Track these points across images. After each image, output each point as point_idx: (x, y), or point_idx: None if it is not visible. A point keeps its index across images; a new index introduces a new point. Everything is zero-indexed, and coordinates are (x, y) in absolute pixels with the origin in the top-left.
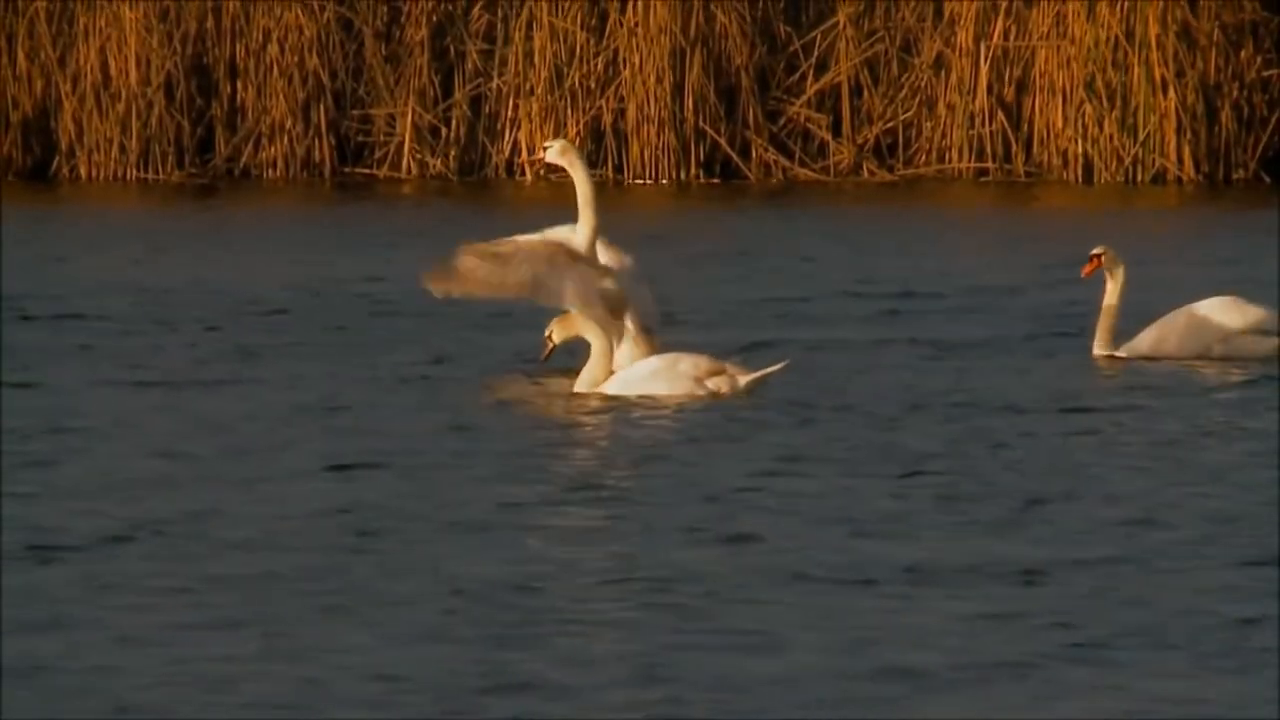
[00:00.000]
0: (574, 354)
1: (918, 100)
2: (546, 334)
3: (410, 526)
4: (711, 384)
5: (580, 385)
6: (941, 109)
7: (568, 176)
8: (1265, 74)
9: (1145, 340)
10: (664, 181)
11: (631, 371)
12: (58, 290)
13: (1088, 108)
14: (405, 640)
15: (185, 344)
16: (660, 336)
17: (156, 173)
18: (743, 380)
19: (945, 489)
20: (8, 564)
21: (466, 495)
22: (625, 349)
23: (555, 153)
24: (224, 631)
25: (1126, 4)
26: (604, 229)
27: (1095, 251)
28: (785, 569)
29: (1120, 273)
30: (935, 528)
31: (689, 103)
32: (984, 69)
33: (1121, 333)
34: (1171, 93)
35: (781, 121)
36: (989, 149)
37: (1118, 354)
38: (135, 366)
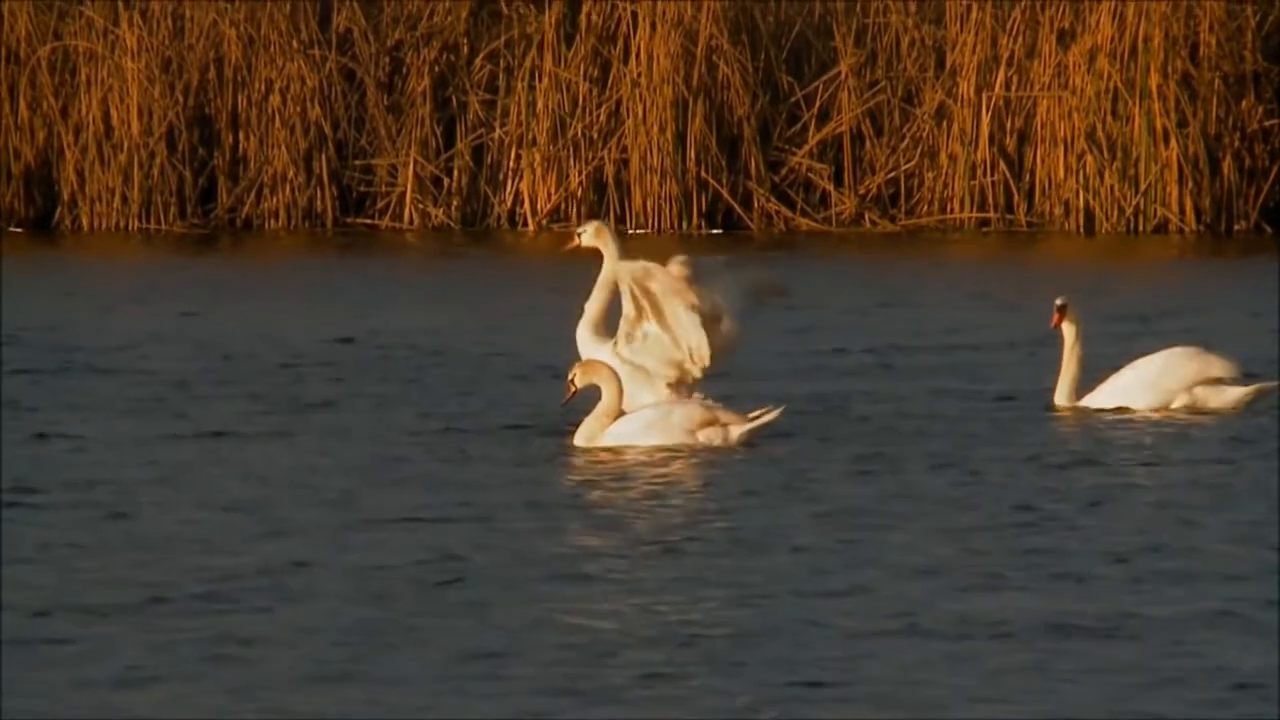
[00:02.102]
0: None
1: (919, 150)
2: (569, 377)
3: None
4: (704, 435)
5: (579, 438)
6: (943, 159)
7: (570, 228)
8: (1266, 124)
9: (1107, 391)
10: (666, 231)
11: (625, 423)
12: (77, 342)
13: (1089, 158)
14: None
15: (215, 397)
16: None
17: (158, 223)
18: (736, 431)
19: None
20: (69, 618)
21: (534, 548)
22: (646, 391)
23: (590, 236)
24: (329, 683)
25: (1127, 54)
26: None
27: (1059, 302)
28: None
29: (1079, 323)
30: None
31: (691, 153)
32: (985, 119)
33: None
34: (1173, 143)
35: (783, 171)
36: (991, 199)
37: (1080, 405)
38: (170, 419)
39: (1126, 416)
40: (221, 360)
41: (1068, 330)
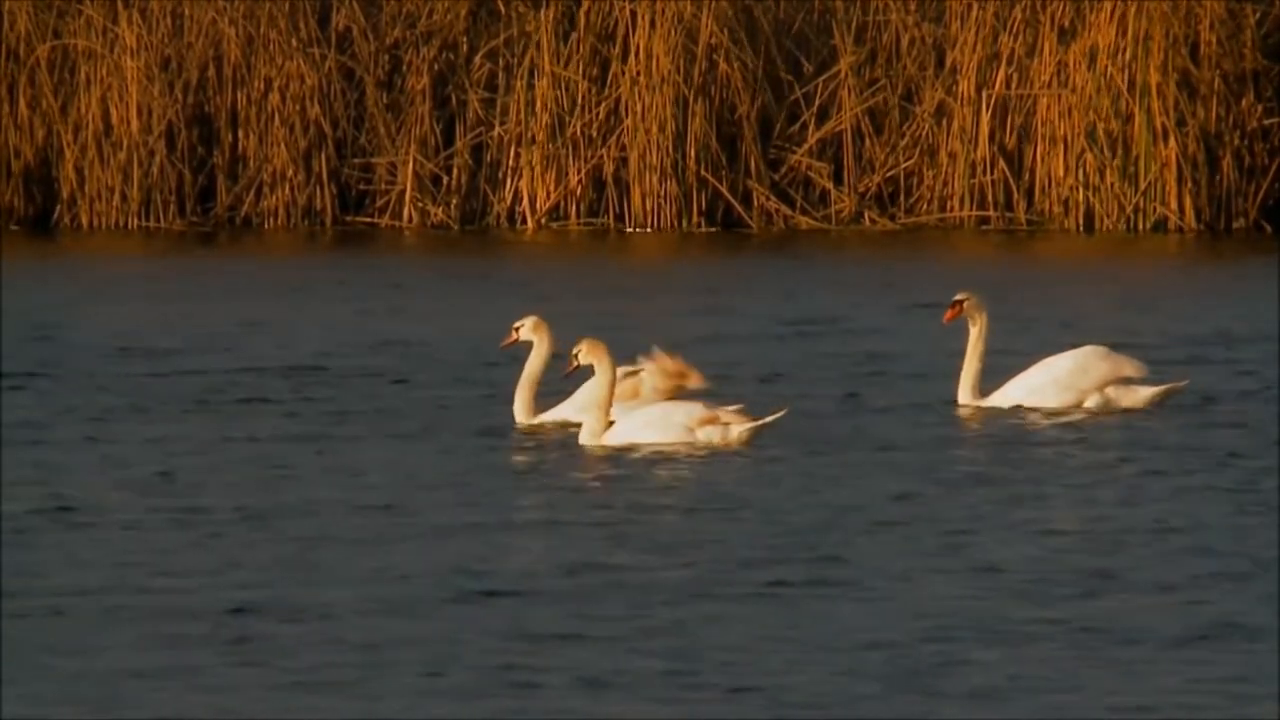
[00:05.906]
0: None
1: (919, 149)
2: (574, 350)
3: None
4: (703, 434)
5: (584, 438)
6: (943, 157)
7: (570, 226)
8: (1266, 123)
9: (1013, 390)
10: (665, 230)
11: (626, 422)
12: (75, 340)
13: (1089, 156)
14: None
15: (242, 401)
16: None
17: (158, 221)
18: (736, 430)
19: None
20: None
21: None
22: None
23: (528, 330)
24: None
25: (1128, 53)
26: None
27: (957, 298)
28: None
29: (982, 320)
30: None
31: (691, 151)
32: (985, 118)
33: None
34: (1172, 141)
35: (783, 170)
36: (990, 197)
37: (984, 404)
38: (167, 422)
39: (1030, 416)
40: (222, 363)
41: (972, 327)
